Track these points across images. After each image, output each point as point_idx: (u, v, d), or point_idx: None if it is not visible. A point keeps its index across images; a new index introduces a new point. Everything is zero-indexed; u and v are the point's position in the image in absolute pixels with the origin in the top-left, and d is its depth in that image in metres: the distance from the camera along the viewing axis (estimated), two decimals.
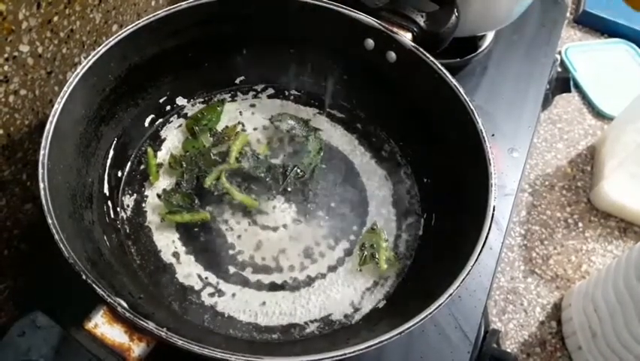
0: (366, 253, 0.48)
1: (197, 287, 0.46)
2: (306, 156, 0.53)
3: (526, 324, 1.13)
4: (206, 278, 0.46)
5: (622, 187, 1.26)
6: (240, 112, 0.56)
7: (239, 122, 0.55)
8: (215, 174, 0.50)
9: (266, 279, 0.47)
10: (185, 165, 0.51)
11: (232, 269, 0.47)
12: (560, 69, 0.84)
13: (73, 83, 0.42)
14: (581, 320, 1.04)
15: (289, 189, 0.51)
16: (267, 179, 0.51)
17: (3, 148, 0.44)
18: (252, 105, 0.57)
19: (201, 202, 0.49)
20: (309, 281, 0.47)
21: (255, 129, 0.55)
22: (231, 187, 0.50)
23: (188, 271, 0.46)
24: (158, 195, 0.49)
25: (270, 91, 0.58)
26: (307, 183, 0.52)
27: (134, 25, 0.46)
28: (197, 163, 0.51)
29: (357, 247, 0.49)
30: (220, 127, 0.55)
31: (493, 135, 0.62)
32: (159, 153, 0.53)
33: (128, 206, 0.49)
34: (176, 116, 0.55)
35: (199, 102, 0.56)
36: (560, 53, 1.58)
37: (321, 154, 0.54)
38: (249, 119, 0.56)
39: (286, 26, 0.53)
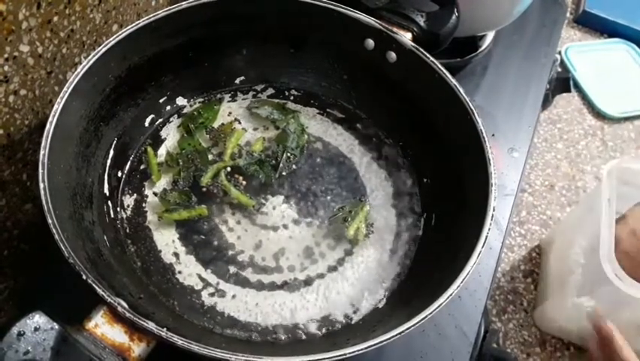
0: (341, 213, 0.49)
1: (197, 287, 0.46)
2: (292, 139, 0.53)
3: (526, 324, 1.13)
4: (206, 278, 0.46)
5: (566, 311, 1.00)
6: (231, 111, 0.56)
7: (235, 119, 0.55)
8: (212, 172, 0.50)
9: (266, 279, 0.47)
10: (181, 163, 0.51)
11: (232, 269, 0.47)
12: (559, 69, 0.84)
13: (74, 83, 0.42)
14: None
15: (284, 173, 0.52)
16: (260, 176, 0.51)
17: (3, 148, 0.44)
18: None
19: (199, 200, 0.49)
20: (309, 281, 0.47)
21: (255, 129, 0.55)
22: (229, 184, 0.50)
23: (189, 271, 0.46)
24: (155, 194, 0.49)
25: (270, 91, 0.58)
26: (302, 172, 0.52)
27: (134, 25, 0.46)
28: (193, 161, 0.51)
29: (337, 206, 0.50)
30: (216, 125, 0.55)
31: (493, 135, 0.62)
32: (159, 153, 0.52)
33: (128, 206, 0.49)
34: (176, 116, 0.55)
35: (199, 102, 0.56)
36: (559, 52, 1.58)
37: (306, 135, 0.54)
38: (247, 118, 0.56)
39: (286, 26, 0.53)
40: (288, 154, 0.52)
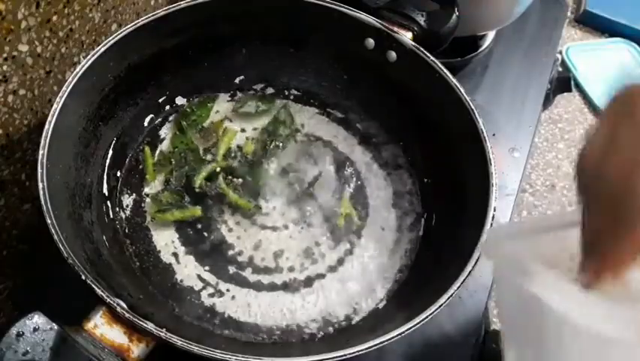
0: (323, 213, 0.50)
1: (196, 288, 0.46)
2: (282, 128, 0.53)
3: None
4: (206, 278, 0.46)
5: None
6: (226, 110, 0.56)
7: (225, 117, 0.55)
8: (204, 173, 0.50)
9: (265, 279, 0.47)
10: (174, 162, 0.51)
11: (232, 269, 0.47)
12: (560, 69, 0.83)
13: (73, 83, 0.42)
14: None
15: (273, 165, 0.52)
16: (253, 177, 0.51)
17: (2, 148, 0.44)
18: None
19: (196, 201, 0.49)
20: (309, 282, 0.47)
21: (254, 129, 0.55)
22: (227, 188, 0.50)
23: (188, 271, 0.46)
24: (146, 195, 0.49)
25: (270, 90, 0.58)
26: (302, 172, 0.52)
27: (133, 24, 0.46)
28: (186, 160, 0.51)
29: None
30: (208, 124, 0.54)
31: (493, 135, 0.62)
32: (157, 152, 0.52)
33: (127, 206, 0.49)
34: (175, 115, 0.55)
35: (198, 102, 0.56)
36: (560, 52, 1.58)
37: (295, 124, 0.55)
38: (243, 118, 0.56)
39: (286, 26, 0.53)
40: (276, 142, 0.52)
